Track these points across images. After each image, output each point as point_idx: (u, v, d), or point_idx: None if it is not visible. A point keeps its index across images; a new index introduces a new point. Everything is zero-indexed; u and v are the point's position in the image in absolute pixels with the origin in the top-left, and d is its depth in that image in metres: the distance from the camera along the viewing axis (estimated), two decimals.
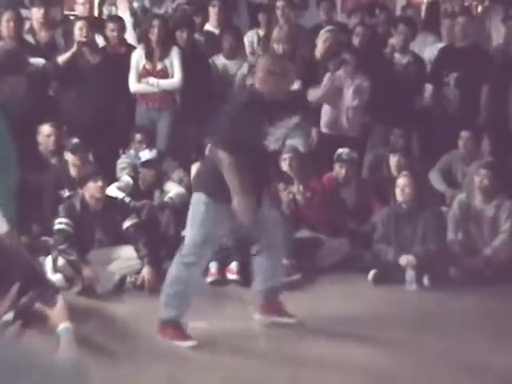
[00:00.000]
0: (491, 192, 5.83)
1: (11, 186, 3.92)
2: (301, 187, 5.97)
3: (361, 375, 4.14)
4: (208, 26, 7.39)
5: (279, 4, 7.26)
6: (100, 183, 5.46)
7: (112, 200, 5.67)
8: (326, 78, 6.53)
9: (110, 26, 6.92)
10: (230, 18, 7.64)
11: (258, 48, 7.13)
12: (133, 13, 7.40)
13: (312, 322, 4.87)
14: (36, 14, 6.81)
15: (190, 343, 4.40)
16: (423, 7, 8.77)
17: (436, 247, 5.69)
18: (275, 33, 6.62)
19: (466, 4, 8.94)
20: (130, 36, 7.19)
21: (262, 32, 7.29)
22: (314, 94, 6.42)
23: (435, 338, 4.64)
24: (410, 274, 5.56)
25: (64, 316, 2.41)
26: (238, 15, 8.10)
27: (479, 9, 8.39)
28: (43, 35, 6.82)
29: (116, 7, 7.60)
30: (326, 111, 6.66)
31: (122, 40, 6.91)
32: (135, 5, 7.60)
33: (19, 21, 6.44)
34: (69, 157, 5.84)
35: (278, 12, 7.22)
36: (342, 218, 6.08)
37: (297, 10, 7.62)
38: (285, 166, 6.03)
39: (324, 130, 6.68)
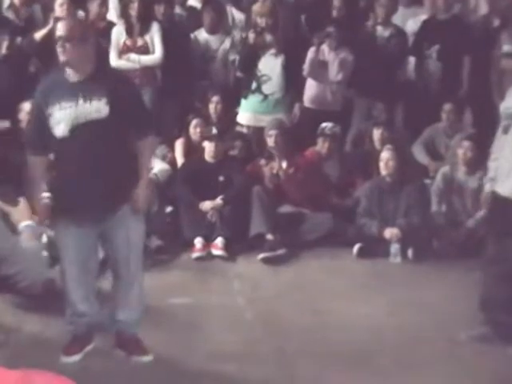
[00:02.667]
0: (474, 164, 5.82)
1: None
2: (284, 163, 5.93)
3: (345, 347, 4.15)
4: (191, 1, 7.30)
5: None
6: None
7: None
8: (310, 51, 6.48)
9: (93, 1, 6.80)
10: None
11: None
12: None
13: (296, 296, 4.90)
14: None
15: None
16: None
17: (420, 220, 5.70)
18: (257, 6, 6.57)
19: None
20: (114, 12, 7.07)
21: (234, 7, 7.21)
22: None
23: (419, 309, 4.65)
24: (394, 247, 5.57)
25: (26, 215, 2.59)
26: None
27: None
28: (23, 11, 6.74)
29: None
30: (309, 85, 6.65)
31: (102, 16, 6.80)
32: None
33: None
34: None
35: None
36: (325, 193, 6.06)
37: None
38: (270, 142, 5.99)
39: (307, 104, 6.66)
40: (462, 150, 5.83)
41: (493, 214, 4.50)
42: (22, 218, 2.57)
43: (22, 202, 2.55)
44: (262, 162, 5.98)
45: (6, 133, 5.85)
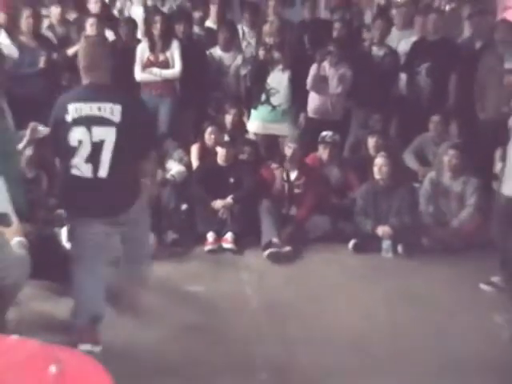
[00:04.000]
0: (458, 170, 5.75)
1: (18, 172, 3.80)
2: (295, 172, 5.84)
3: (342, 331, 4.08)
4: (208, 22, 7.27)
5: (271, 3, 7.22)
6: None
7: None
8: (313, 67, 6.45)
9: (123, 24, 6.88)
10: (226, 14, 7.50)
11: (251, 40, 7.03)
12: (146, 9, 7.28)
13: (298, 285, 4.85)
14: (54, 12, 6.93)
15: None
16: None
17: (409, 219, 5.64)
18: (267, 27, 6.59)
19: (436, 4, 8.87)
20: (140, 29, 7.06)
21: (246, 27, 7.14)
22: None
23: (409, 299, 4.61)
24: (386, 243, 5.52)
25: (17, 232, 2.62)
26: (232, 12, 7.96)
27: (447, 7, 8.26)
28: (60, 31, 6.85)
29: (131, 2, 7.49)
30: (312, 98, 6.61)
31: (133, 38, 6.81)
32: (149, 2, 7.48)
33: (37, 18, 6.38)
34: None
35: (270, 10, 7.15)
36: (326, 194, 5.98)
37: (285, 7, 7.53)
38: (288, 152, 5.90)
39: (311, 114, 6.63)
40: (448, 157, 5.77)
41: (498, 213, 4.48)
42: (15, 235, 2.61)
43: (15, 222, 2.58)
44: (274, 166, 5.90)
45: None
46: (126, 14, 7.54)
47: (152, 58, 6.45)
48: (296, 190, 5.81)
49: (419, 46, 6.76)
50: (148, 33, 6.59)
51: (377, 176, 5.73)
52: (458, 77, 6.52)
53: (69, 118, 3.46)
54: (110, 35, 6.78)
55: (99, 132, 3.44)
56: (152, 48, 6.45)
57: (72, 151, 3.47)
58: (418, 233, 5.63)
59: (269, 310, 4.41)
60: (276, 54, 6.40)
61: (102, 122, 3.45)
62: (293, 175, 5.86)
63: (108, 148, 3.45)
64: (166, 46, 6.43)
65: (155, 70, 6.42)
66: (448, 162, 5.77)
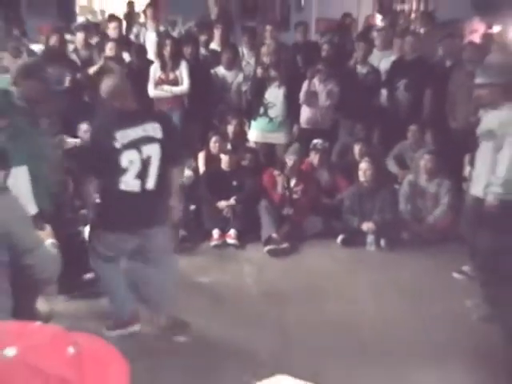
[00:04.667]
0: (433, 173, 5.75)
1: (46, 180, 3.78)
2: (293, 180, 5.82)
3: (333, 316, 4.07)
4: (213, 45, 7.26)
5: (268, 28, 7.21)
6: None
7: None
8: (305, 84, 6.45)
9: (134, 47, 6.91)
10: (229, 37, 7.49)
11: (250, 60, 7.02)
12: (159, 34, 7.28)
13: (294, 277, 4.85)
14: (79, 37, 6.96)
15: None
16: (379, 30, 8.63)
17: (390, 216, 5.63)
18: (264, 48, 6.58)
19: (412, 27, 8.87)
20: (152, 51, 7.05)
21: (245, 49, 7.13)
22: None
23: (390, 287, 4.61)
24: (370, 238, 5.52)
25: (49, 235, 2.62)
26: (234, 35, 7.95)
27: (422, 30, 8.24)
28: (84, 53, 6.87)
29: (146, 28, 7.48)
30: (304, 110, 6.60)
31: (143, 57, 6.79)
32: (161, 28, 7.48)
33: (63, 42, 6.36)
34: None
35: (267, 33, 7.13)
36: (318, 195, 5.97)
37: (280, 31, 7.52)
38: (289, 163, 5.86)
39: (303, 125, 6.62)
40: (424, 161, 5.76)
41: (467, 211, 4.47)
42: (47, 237, 2.63)
43: (48, 227, 2.61)
44: (276, 173, 5.86)
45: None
46: (142, 38, 7.53)
47: (163, 77, 6.43)
48: (295, 196, 5.78)
49: (398, 64, 6.74)
50: (160, 54, 6.56)
51: (361, 179, 5.73)
52: (432, 91, 6.50)
53: (118, 144, 3.38)
54: (126, 57, 6.79)
55: (147, 150, 3.41)
56: (163, 68, 6.43)
57: (122, 171, 3.40)
58: (398, 228, 5.63)
59: (267, 298, 4.41)
60: (272, 72, 6.38)
61: (148, 140, 3.42)
62: (292, 182, 5.83)
63: (154, 162, 3.42)
64: (175, 66, 6.41)
65: (166, 87, 6.41)
66: (424, 166, 5.78)
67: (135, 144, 3.40)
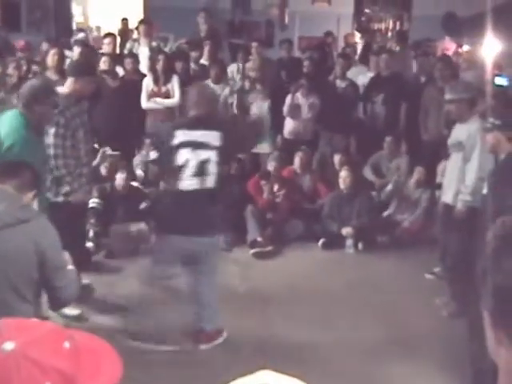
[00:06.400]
0: (421, 183, 5.86)
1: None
2: (276, 185, 5.90)
3: (312, 310, 4.17)
4: (202, 60, 7.35)
5: (253, 44, 7.30)
6: (124, 174, 5.45)
7: (132, 187, 5.62)
8: (288, 97, 6.55)
9: (128, 60, 6.88)
10: (218, 53, 7.59)
11: (237, 75, 7.11)
12: (151, 49, 7.34)
13: (277, 276, 4.93)
14: (75, 52, 6.89)
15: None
16: (358, 47, 8.80)
17: (368, 221, 5.71)
18: (250, 64, 6.67)
19: (388, 45, 9.03)
20: (145, 66, 7.10)
21: (240, 64, 7.25)
22: None
23: (367, 286, 4.72)
24: (348, 241, 5.60)
25: (69, 261, 2.67)
26: (222, 51, 8.05)
27: (397, 48, 8.41)
28: None
29: (139, 43, 7.55)
30: (288, 122, 6.70)
31: (136, 70, 6.85)
32: (154, 44, 7.55)
33: (61, 56, 6.39)
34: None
35: (253, 50, 7.22)
36: (300, 201, 6.06)
37: (265, 47, 7.62)
38: (271, 168, 5.97)
39: (286, 136, 6.71)
40: (417, 173, 5.85)
41: (439, 217, 4.60)
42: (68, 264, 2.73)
43: (66, 254, 2.70)
44: (263, 182, 5.92)
45: None
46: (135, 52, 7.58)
47: (155, 90, 6.51)
48: (277, 200, 5.86)
49: (375, 80, 6.86)
50: (152, 69, 6.63)
51: (341, 186, 5.83)
52: (407, 105, 6.60)
53: (176, 141, 3.44)
54: (119, 71, 6.85)
55: (203, 153, 3.45)
56: (156, 81, 6.50)
57: (179, 169, 3.44)
58: (374, 232, 5.75)
59: (253, 296, 4.49)
60: (258, 86, 6.48)
61: (205, 146, 3.46)
62: (275, 187, 5.91)
63: (212, 164, 3.46)
64: (167, 80, 6.48)
65: (158, 99, 6.48)
66: (415, 176, 5.89)
67: (191, 145, 3.43)
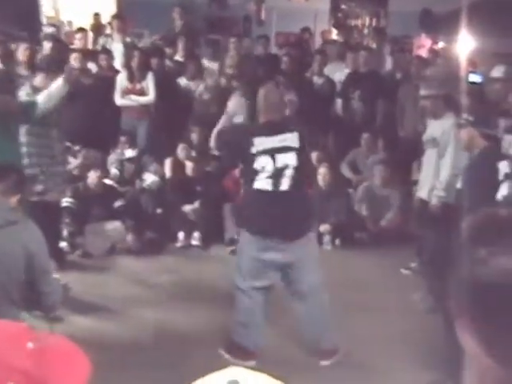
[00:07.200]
0: (386, 180, 5.96)
1: None
2: None
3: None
4: (177, 56, 7.35)
5: (232, 39, 7.34)
6: (98, 173, 5.43)
7: (106, 186, 5.61)
8: None
9: (102, 56, 6.85)
10: (193, 49, 7.59)
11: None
12: (125, 45, 7.31)
13: None
14: (46, 47, 6.78)
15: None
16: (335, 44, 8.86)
17: (345, 218, 5.79)
18: (228, 60, 6.69)
19: (365, 42, 9.12)
20: (120, 62, 7.09)
21: (209, 60, 7.28)
22: None
23: (344, 282, 4.76)
24: (326, 238, 5.68)
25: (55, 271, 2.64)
26: (199, 48, 8.06)
27: (374, 45, 8.51)
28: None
29: (112, 39, 7.52)
30: None
31: (110, 67, 6.83)
32: (128, 40, 7.52)
33: (32, 51, 6.33)
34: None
35: (231, 45, 7.24)
36: None
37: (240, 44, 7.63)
38: None
39: None
40: (377, 171, 5.96)
41: (416, 213, 4.68)
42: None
43: (52, 263, 2.69)
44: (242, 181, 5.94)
45: None
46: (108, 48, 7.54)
47: (130, 87, 6.49)
48: None
49: (352, 76, 6.92)
50: (127, 65, 6.61)
51: (321, 183, 5.89)
52: (383, 102, 6.69)
53: (254, 149, 3.43)
54: (92, 67, 6.82)
55: (282, 158, 3.44)
56: (130, 78, 6.49)
57: (256, 173, 3.44)
58: (352, 229, 5.83)
59: (230, 292, 4.48)
60: (235, 83, 6.49)
61: (285, 150, 3.46)
62: None
63: (290, 168, 3.45)
64: (142, 77, 6.48)
65: (133, 96, 6.47)
66: (378, 175, 5.98)
67: (270, 152, 3.44)
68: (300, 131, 3.55)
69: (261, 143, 3.44)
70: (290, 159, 3.47)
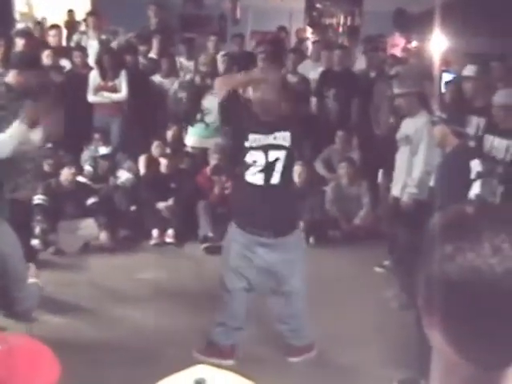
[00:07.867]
0: (352, 178, 6.00)
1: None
2: (224, 178, 5.90)
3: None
4: (151, 54, 7.29)
5: (211, 38, 7.27)
6: (72, 170, 5.37)
7: (79, 183, 5.55)
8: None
9: (76, 53, 6.77)
10: (168, 47, 7.52)
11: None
12: (100, 42, 7.22)
13: None
14: (19, 43, 6.59)
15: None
16: (309, 42, 8.89)
17: (319, 216, 5.80)
18: (202, 58, 6.67)
19: (340, 41, 9.14)
20: (94, 59, 6.99)
21: (184, 58, 7.22)
22: None
23: (318, 279, 4.72)
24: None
25: (34, 275, 2.57)
26: (174, 46, 7.99)
27: (348, 44, 8.51)
28: None
29: (87, 36, 7.42)
30: None
31: (85, 64, 6.75)
32: (103, 37, 7.42)
33: (6, 47, 6.20)
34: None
35: (209, 43, 7.18)
36: None
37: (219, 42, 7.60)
38: (212, 162, 5.99)
39: None
40: (342, 169, 5.98)
41: (388, 210, 4.70)
42: (31, 277, 2.63)
43: (32, 266, 2.62)
44: (215, 178, 5.90)
45: None
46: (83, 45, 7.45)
47: (102, 84, 6.44)
48: (226, 192, 5.87)
49: (326, 75, 6.94)
50: (99, 62, 6.55)
51: (296, 180, 5.88)
52: (358, 100, 6.73)
53: (248, 144, 3.43)
54: (66, 64, 6.73)
55: (274, 154, 3.45)
56: (103, 75, 6.44)
57: (247, 166, 3.45)
58: (325, 227, 5.84)
59: (204, 290, 4.48)
60: (209, 81, 6.47)
61: (277, 147, 3.46)
62: (226, 181, 5.90)
63: (280, 162, 3.46)
64: (115, 74, 6.43)
65: (105, 93, 6.42)
66: (344, 173, 6.02)
67: (262, 148, 3.45)
68: (292, 131, 3.58)
69: (254, 140, 3.48)
70: (281, 156, 3.51)
